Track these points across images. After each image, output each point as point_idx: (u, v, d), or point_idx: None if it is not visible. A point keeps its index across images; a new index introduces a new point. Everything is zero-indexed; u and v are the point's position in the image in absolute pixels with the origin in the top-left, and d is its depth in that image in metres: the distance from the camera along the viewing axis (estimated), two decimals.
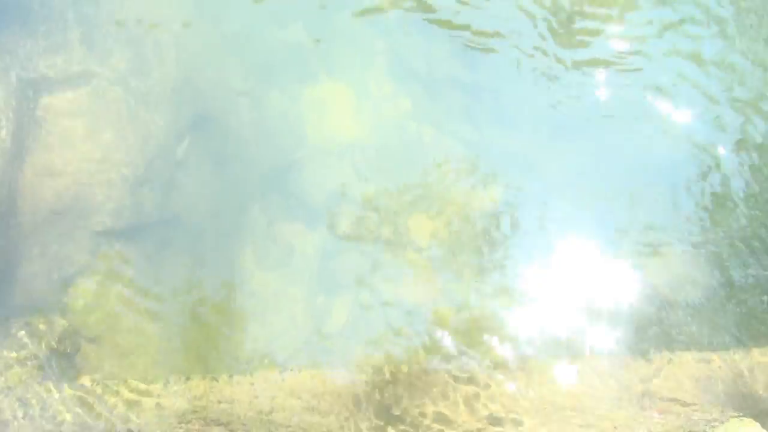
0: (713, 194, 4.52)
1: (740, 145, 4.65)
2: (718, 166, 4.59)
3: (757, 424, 3.31)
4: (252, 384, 3.82)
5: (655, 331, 4.10)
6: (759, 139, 4.65)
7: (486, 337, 4.08)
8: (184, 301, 4.19)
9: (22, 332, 3.95)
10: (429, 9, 4.88)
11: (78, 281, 4.20)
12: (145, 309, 4.13)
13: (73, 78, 4.56)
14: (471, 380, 3.82)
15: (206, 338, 4.08)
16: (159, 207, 4.46)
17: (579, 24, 4.90)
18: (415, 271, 4.32)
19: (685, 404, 3.62)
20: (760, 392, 3.74)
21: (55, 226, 4.30)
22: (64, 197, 4.34)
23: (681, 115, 4.71)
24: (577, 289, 4.22)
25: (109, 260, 4.29)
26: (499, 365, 3.93)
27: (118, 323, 4.09)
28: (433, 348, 4.06)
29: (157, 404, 3.71)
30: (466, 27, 4.86)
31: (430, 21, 4.86)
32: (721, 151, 4.63)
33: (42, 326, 4.00)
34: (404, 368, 3.94)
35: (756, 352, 3.88)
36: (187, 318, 4.13)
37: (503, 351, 4.03)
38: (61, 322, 4.03)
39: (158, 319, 4.11)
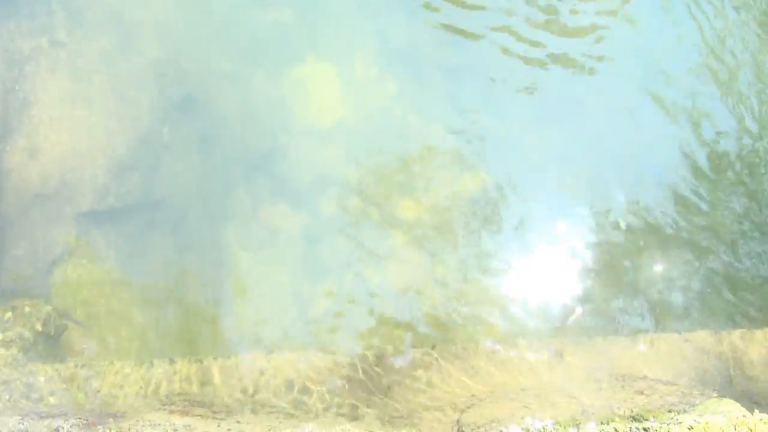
0: (696, 182, 4.54)
1: (723, 135, 4.67)
2: (702, 154, 4.61)
3: (737, 403, 3.33)
4: (236, 366, 3.83)
5: (637, 312, 4.13)
6: (744, 131, 4.66)
7: (470, 318, 4.10)
8: (169, 283, 4.19)
9: (7, 315, 3.96)
10: None
11: (63, 264, 4.20)
12: (130, 291, 4.14)
13: (58, 60, 4.53)
14: (453, 361, 3.83)
15: (191, 320, 4.09)
16: (144, 189, 4.45)
17: (566, 10, 4.87)
18: (400, 254, 4.32)
19: (666, 384, 3.65)
20: (741, 373, 3.77)
21: (40, 209, 4.29)
22: (49, 180, 4.33)
23: (665, 105, 4.71)
24: (561, 269, 4.24)
25: (94, 243, 4.28)
26: (480, 346, 3.95)
27: (102, 306, 4.09)
28: (417, 330, 4.08)
29: (142, 386, 3.72)
30: (452, 11, 4.84)
31: (417, 5, 4.83)
32: (705, 140, 4.64)
33: (27, 309, 4.00)
34: (388, 350, 3.95)
35: (738, 335, 3.91)
36: (172, 300, 4.14)
37: (486, 332, 4.05)
38: (46, 305, 4.03)
39: (143, 302, 4.12)
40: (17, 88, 4.48)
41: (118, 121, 4.49)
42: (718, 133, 4.66)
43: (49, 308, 4.03)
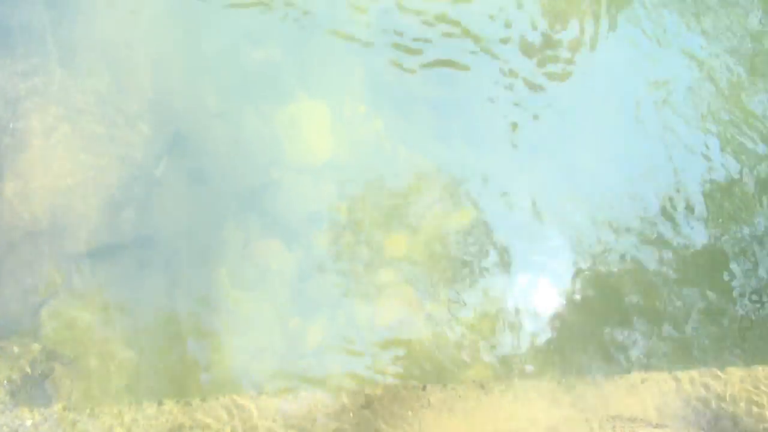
0: (686, 217, 4.56)
1: (709, 174, 4.70)
2: (687, 191, 4.63)
3: None
4: (226, 408, 3.81)
5: (630, 350, 4.12)
6: (727, 171, 4.70)
7: (461, 358, 4.08)
8: (159, 322, 4.18)
9: None
10: (402, 31, 4.91)
11: (52, 304, 4.18)
12: (119, 332, 4.12)
13: (52, 100, 4.57)
14: (444, 402, 3.81)
15: (180, 360, 4.07)
16: (135, 227, 4.45)
17: (551, 45, 4.94)
18: (391, 290, 4.32)
19: (657, 426, 3.62)
20: (731, 415, 3.74)
21: (29, 248, 4.29)
22: (39, 219, 4.34)
23: (651, 139, 4.75)
24: (550, 309, 4.24)
25: (84, 282, 4.27)
26: (471, 386, 3.93)
27: (92, 347, 4.07)
28: (408, 369, 4.06)
29: (130, 428, 3.69)
30: (438, 49, 4.90)
31: (404, 42, 4.89)
32: (691, 174, 4.67)
33: (15, 350, 3.98)
34: (380, 390, 3.93)
35: (731, 373, 3.88)
36: (162, 340, 4.12)
37: (477, 372, 4.03)
38: (34, 346, 4.01)
39: (133, 342, 4.10)
40: (12, 126, 4.51)
41: (110, 159, 4.52)
42: (710, 166, 4.69)
43: (38, 348, 4.01)
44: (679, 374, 3.82)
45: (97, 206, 4.40)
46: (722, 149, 4.71)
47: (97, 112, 4.58)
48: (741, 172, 4.70)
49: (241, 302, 4.30)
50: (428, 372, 4.04)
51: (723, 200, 4.63)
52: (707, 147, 4.75)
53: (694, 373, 3.83)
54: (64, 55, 4.64)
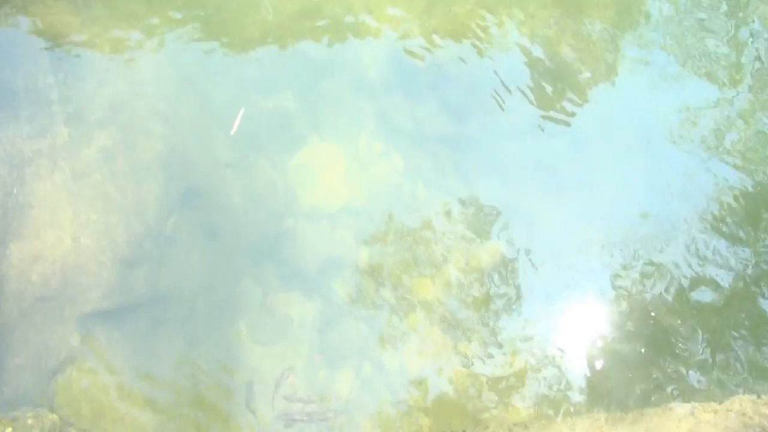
0: (713, 238, 4.48)
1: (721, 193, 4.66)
2: (712, 213, 4.57)
3: None
4: None
5: (676, 381, 3.97)
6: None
7: (500, 399, 3.91)
8: (180, 383, 3.99)
9: (9, 430, 3.73)
10: (411, 69, 4.91)
11: (67, 370, 4.00)
12: (138, 395, 3.93)
13: (59, 160, 4.48)
14: None
15: (203, 423, 3.87)
16: (149, 285, 4.31)
17: (566, 76, 4.95)
18: (418, 335, 4.17)
19: None
20: None
21: (41, 313, 4.12)
22: (51, 282, 4.19)
23: (672, 163, 4.72)
24: (591, 339, 4.11)
25: (98, 345, 4.11)
26: (515, 429, 3.75)
27: (109, 413, 3.87)
28: (445, 415, 3.88)
29: None
30: (448, 83, 4.89)
31: (413, 80, 4.88)
32: (702, 196, 4.62)
33: (30, 421, 3.78)
34: None
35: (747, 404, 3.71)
36: (183, 402, 3.93)
37: (518, 413, 3.86)
38: (50, 416, 3.81)
39: (152, 405, 3.90)
40: (16, 191, 4.40)
41: (121, 217, 4.41)
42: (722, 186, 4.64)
43: (53, 418, 3.81)
44: (729, 403, 3.66)
45: (110, 266, 4.26)
46: (737, 171, 4.68)
47: (106, 169, 4.49)
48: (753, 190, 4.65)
49: (264, 356, 4.14)
50: (467, 417, 3.86)
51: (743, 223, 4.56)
52: (720, 170, 4.72)
53: (744, 399, 3.67)
54: (70, 116, 4.58)
